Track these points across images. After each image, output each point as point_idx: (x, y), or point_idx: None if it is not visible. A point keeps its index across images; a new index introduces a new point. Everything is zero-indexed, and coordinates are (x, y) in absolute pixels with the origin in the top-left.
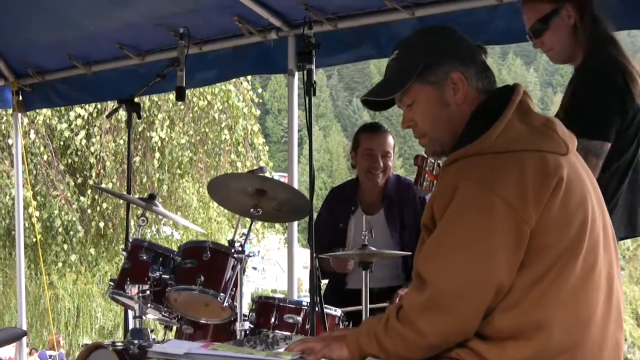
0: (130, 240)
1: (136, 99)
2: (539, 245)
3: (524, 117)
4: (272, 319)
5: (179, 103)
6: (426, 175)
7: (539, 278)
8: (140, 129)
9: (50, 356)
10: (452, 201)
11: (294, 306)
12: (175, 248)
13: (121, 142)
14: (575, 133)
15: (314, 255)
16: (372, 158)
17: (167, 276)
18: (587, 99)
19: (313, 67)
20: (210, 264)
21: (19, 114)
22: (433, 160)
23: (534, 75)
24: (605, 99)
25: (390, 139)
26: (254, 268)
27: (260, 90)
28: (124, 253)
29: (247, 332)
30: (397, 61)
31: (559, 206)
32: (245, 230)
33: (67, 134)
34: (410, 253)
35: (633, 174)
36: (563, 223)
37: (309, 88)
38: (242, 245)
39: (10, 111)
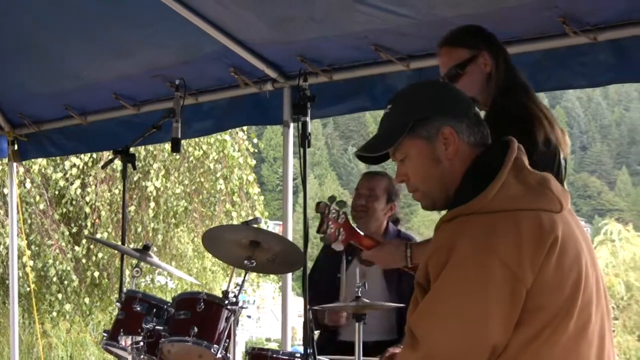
0: (124, 291)
1: (131, 149)
2: (534, 305)
3: (519, 174)
4: None
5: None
6: (330, 223)
7: (533, 337)
8: (135, 179)
9: None
10: (449, 261)
11: (287, 357)
12: (170, 297)
13: (116, 191)
14: None
15: (308, 307)
16: (357, 197)
17: (161, 327)
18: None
19: (308, 119)
20: (204, 315)
21: (14, 164)
22: (337, 208)
23: None
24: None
25: (382, 182)
26: (249, 316)
27: (255, 140)
28: (118, 304)
29: None
30: (390, 115)
31: (554, 266)
32: (239, 280)
33: (62, 183)
34: (404, 305)
35: None
36: (558, 283)
37: (303, 140)
38: (236, 296)
39: (5, 160)
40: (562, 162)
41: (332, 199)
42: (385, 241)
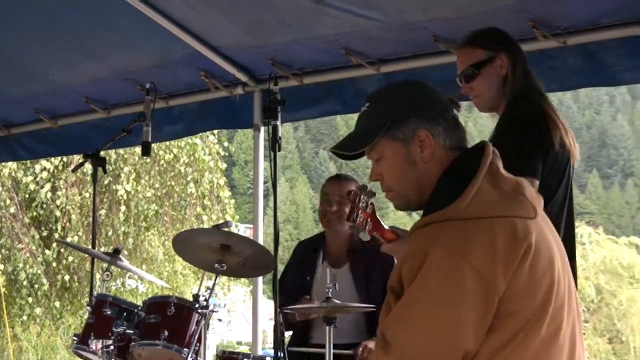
0: (95, 294)
1: (102, 153)
2: (507, 312)
3: (494, 180)
4: None
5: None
6: (359, 212)
7: (505, 343)
8: (106, 182)
9: None
10: (422, 267)
11: None
12: (141, 301)
13: (87, 195)
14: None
15: (279, 310)
16: (326, 202)
17: (131, 331)
18: (512, 139)
19: (278, 123)
20: (175, 319)
21: None
22: (366, 197)
23: None
24: (528, 138)
25: (351, 186)
26: (220, 320)
27: (226, 144)
28: (88, 308)
29: None
30: (367, 114)
31: (527, 273)
32: (210, 284)
33: (32, 186)
34: (374, 306)
35: (568, 215)
36: (530, 289)
37: (274, 144)
38: (206, 300)
39: None
40: (572, 167)
41: (362, 187)
42: (403, 234)
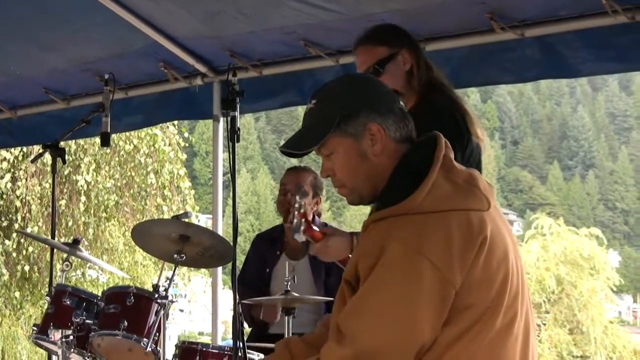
0: (54, 285)
1: (61, 144)
2: (462, 305)
3: (448, 174)
4: None
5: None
6: (295, 213)
7: (461, 335)
8: (66, 173)
9: None
10: (379, 261)
11: (216, 351)
12: (101, 291)
13: (47, 185)
14: None
15: (237, 300)
16: (284, 194)
17: (91, 321)
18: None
19: (237, 114)
20: (134, 309)
21: None
22: (300, 198)
23: None
24: (447, 132)
25: (308, 178)
26: (181, 310)
27: (187, 134)
28: (48, 298)
29: None
30: (314, 111)
31: (482, 265)
32: (170, 274)
33: None
34: (332, 299)
35: None
36: (486, 282)
37: (232, 135)
38: (166, 290)
39: None
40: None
41: (298, 188)
42: (331, 232)
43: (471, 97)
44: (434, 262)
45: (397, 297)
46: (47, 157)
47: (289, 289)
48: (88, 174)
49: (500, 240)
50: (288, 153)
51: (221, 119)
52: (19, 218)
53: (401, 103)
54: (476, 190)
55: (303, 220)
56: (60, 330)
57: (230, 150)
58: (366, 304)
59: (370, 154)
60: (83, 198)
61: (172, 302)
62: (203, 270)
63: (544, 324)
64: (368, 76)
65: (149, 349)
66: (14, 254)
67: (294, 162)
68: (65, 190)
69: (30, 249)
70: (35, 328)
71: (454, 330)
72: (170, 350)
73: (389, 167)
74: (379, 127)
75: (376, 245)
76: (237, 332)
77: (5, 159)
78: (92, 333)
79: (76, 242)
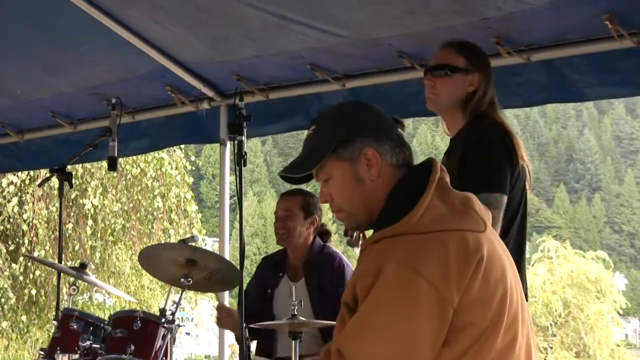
0: (61, 309)
1: (68, 168)
2: (461, 324)
3: (443, 196)
4: None
5: None
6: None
7: (460, 356)
8: (73, 196)
9: None
10: (376, 282)
11: None
12: (107, 315)
13: (54, 209)
14: (475, 189)
15: (244, 325)
16: (276, 220)
17: (98, 345)
18: (483, 156)
19: (244, 138)
20: (141, 334)
21: None
22: None
23: None
24: (499, 156)
25: (296, 200)
26: (188, 333)
27: (193, 158)
28: (55, 322)
29: None
30: (313, 136)
31: (479, 285)
32: (177, 298)
33: None
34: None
35: (522, 220)
36: (484, 301)
37: (239, 160)
38: (173, 314)
39: None
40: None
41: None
42: None
43: None
44: (431, 281)
45: (395, 317)
46: (54, 181)
47: (296, 313)
48: (95, 197)
49: (497, 260)
50: (286, 178)
51: (228, 143)
52: (26, 242)
53: (399, 130)
54: (472, 212)
55: (361, 235)
56: (67, 355)
57: (237, 174)
58: (365, 325)
59: (366, 179)
60: (90, 222)
61: (179, 326)
62: (210, 293)
63: (551, 347)
64: (367, 103)
65: None
66: (21, 278)
67: (301, 185)
68: (72, 214)
69: (37, 272)
70: (42, 352)
71: (453, 350)
72: None
73: (384, 192)
74: (374, 151)
75: (373, 266)
76: (244, 356)
77: (12, 182)
78: (99, 357)
79: (83, 266)
